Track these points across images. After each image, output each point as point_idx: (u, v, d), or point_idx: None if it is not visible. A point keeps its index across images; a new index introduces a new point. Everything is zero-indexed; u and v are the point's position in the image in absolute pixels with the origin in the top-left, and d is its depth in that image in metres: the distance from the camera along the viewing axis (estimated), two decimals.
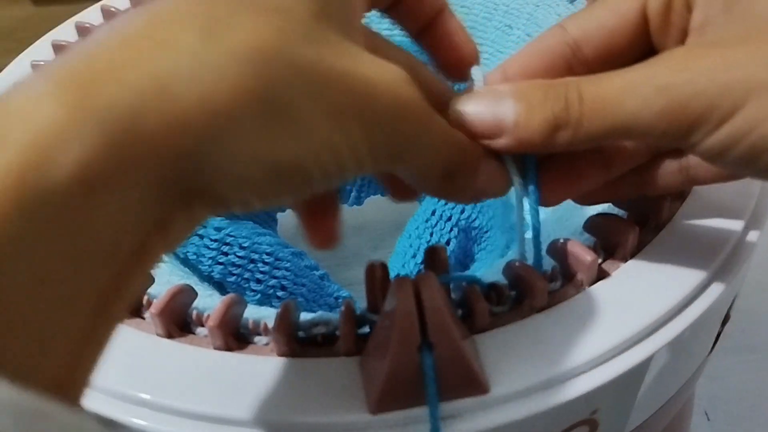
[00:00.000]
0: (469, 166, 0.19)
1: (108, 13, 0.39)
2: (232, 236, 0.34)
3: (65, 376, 0.13)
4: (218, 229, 0.33)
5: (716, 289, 0.23)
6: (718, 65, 0.18)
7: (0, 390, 0.10)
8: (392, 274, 0.22)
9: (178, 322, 0.23)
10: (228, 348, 0.22)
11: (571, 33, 0.21)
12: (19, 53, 0.37)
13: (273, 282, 0.34)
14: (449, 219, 0.37)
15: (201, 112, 0.13)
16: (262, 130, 0.14)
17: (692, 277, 0.23)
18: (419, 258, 0.36)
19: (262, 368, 0.21)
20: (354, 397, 0.20)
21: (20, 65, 0.36)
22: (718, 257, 0.24)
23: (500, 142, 0.19)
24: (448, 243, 0.37)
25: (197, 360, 0.22)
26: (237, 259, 0.34)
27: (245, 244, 0.34)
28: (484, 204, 0.38)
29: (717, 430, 0.48)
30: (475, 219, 0.38)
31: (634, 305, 0.22)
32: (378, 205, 0.50)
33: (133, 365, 0.21)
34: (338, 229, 0.20)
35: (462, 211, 0.37)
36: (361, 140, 0.16)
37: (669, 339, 0.22)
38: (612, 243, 0.24)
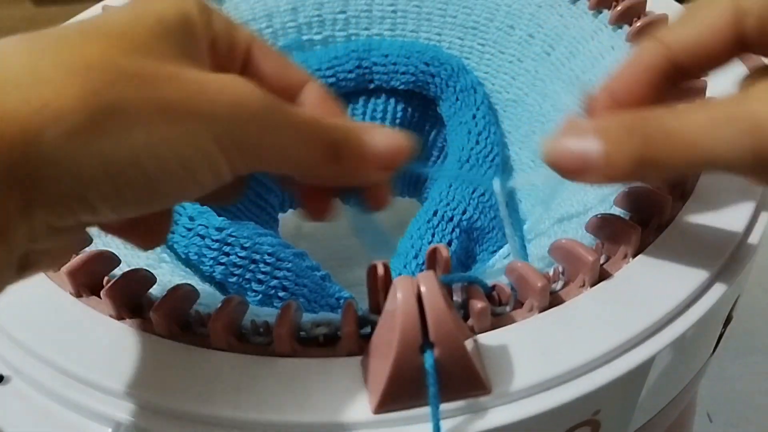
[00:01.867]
0: (352, 143, 0.20)
1: None
2: (233, 237, 0.34)
3: None
4: (220, 230, 0.33)
5: (718, 290, 0.23)
6: None
7: None
8: (394, 275, 0.22)
9: (180, 322, 0.23)
10: (229, 348, 0.22)
11: (669, 47, 0.22)
12: None
13: (274, 283, 0.34)
14: (451, 219, 0.37)
15: (27, 115, 0.14)
16: (94, 131, 0.15)
17: (694, 277, 0.23)
18: (421, 259, 0.35)
19: (263, 369, 0.21)
20: (356, 397, 0.20)
21: None
22: (721, 258, 0.24)
23: (587, 179, 0.20)
24: (450, 244, 0.37)
25: (199, 360, 0.22)
26: (238, 259, 0.34)
27: (247, 245, 0.34)
28: (486, 205, 0.38)
29: (720, 431, 0.48)
30: (477, 220, 0.38)
31: (636, 306, 0.22)
32: None
33: (135, 365, 0.21)
34: (333, 206, 0.22)
35: (464, 212, 0.37)
36: (205, 137, 0.16)
37: (671, 340, 0.22)
38: (614, 243, 0.24)
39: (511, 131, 0.43)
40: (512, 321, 0.22)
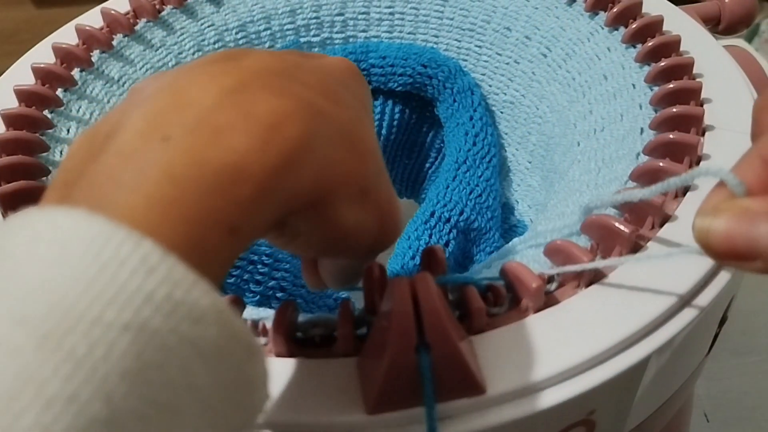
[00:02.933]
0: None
1: (108, 16, 0.39)
2: None
3: None
4: None
5: (713, 291, 0.23)
6: None
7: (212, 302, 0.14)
8: (391, 276, 0.22)
9: None
10: None
11: None
12: (21, 55, 0.37)
13: (272, 283, 0.35)
14: (448, 221, 0.37)
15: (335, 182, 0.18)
16: (354, 207, 0.19)
17: (689, 277, 0.23)
18: (418, 259, 0.36)
19: None
20: (351, 398, 0.20)
21: (22, 68, 0.36)
22: None
23: (754, 266, 0.18)
24: (447, 245, 0.37)
25: None
26: (236, 260, 0.34)
27: None
28: (483, 206, 0.38)
29: (716, 431, 0.48)
30: (474, 221, 0.38)
31: (631, 306, 0.22)
32: None
33: None
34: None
35: (461, 213, 0.38)
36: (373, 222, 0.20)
37: (666, 340, 0.22)
38: (609, 244, 0.24)
39: (508, 132, 0.43)
40: (507, 321, 0.22)
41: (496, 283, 0.23)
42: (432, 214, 0.37)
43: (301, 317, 0.23)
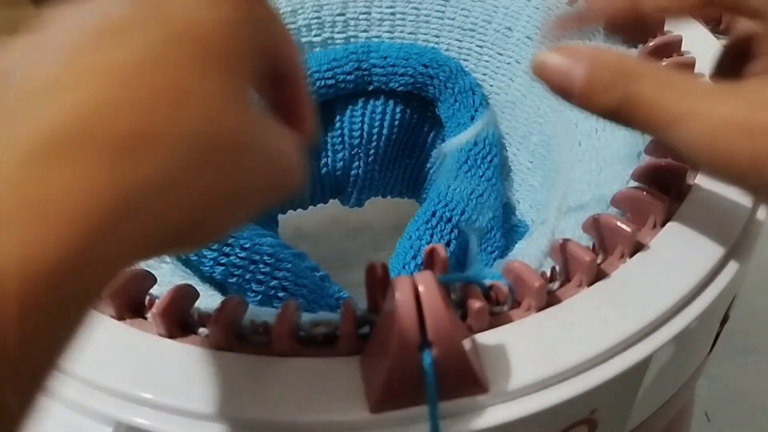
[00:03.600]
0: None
1: None
2: (233, 237, 0.34)
3: None
4: None
5: (714, 290, 0.23)
6: None
7: None
8: (393, 276, 0.22)
9: (180, 322, 0.23)
10: (229, 348, 0.22)
11: None
12: None
13: (274, 283, 0.35)
14: (449, 220, 0.37)
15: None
16: (228, 213, 0.16)
17: (690, 277, 0.23)
18: (420, 259, 0.36)
19: (263, 368, 0.21)
20: (354, 397, 0.20)
21: None
22: (717, 257, 0.24)
23: (570, 101, 0.21)
24: (448, 244, 0.37)
25: (199, 360, 0.22)
26: (238, 260, 0.34)
27: (246, 245, 0.34)
28: (485, 205, 0.38)
29: (717, 431, 0.48)
30: (475, 220, 0.38)
31: (633, 305, 0.22)
32: (378, 207, 0.51)
33: (136, 365, 0.22)
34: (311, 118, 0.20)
35: (462, 213, 0.38)
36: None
37: (667, 339, 0.22)
38: (610, 243, 0.24)
39: (510, 132, 0.43)
40: (510, 320, 0.22)
41: (498, 282, 0.23)
42: (433, 214, 0.37)
43: (304, 317, 0.23)
